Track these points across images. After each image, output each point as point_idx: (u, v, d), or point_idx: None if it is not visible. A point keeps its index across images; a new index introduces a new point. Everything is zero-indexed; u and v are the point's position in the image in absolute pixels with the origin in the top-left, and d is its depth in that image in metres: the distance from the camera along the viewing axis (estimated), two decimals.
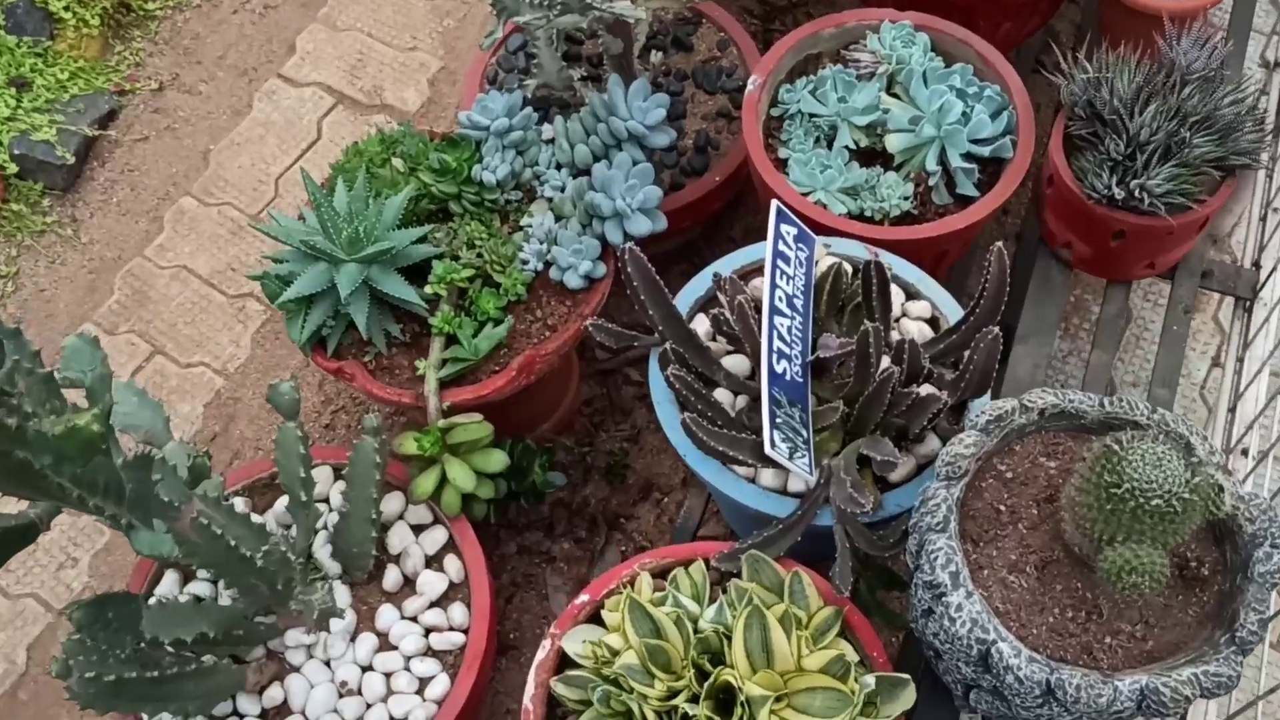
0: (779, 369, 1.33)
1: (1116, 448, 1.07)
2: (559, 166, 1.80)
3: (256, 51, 2.61)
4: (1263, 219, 1.71)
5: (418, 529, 1.69)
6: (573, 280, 1.71)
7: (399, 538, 1.67)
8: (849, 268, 1.45)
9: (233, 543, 1.48)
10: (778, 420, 1.30)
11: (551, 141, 1.83)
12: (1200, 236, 1.59)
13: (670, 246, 2.17)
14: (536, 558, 1.95)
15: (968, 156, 1.61)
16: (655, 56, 2.01)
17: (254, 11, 2.67)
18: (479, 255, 1.73)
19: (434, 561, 1.67)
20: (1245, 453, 1.53)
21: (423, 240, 1.73)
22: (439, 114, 2.51)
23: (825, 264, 1.51)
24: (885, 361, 1.34)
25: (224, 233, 2.38)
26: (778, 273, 1.39)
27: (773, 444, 1.27)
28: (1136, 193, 1.46)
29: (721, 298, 1.46)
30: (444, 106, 2.52)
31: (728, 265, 1.56)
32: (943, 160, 1.61)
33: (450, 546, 1.68)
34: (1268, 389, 1.54)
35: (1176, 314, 1.61)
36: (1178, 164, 1.46)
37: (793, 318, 1.39)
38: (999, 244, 1.31)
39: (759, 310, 1.36)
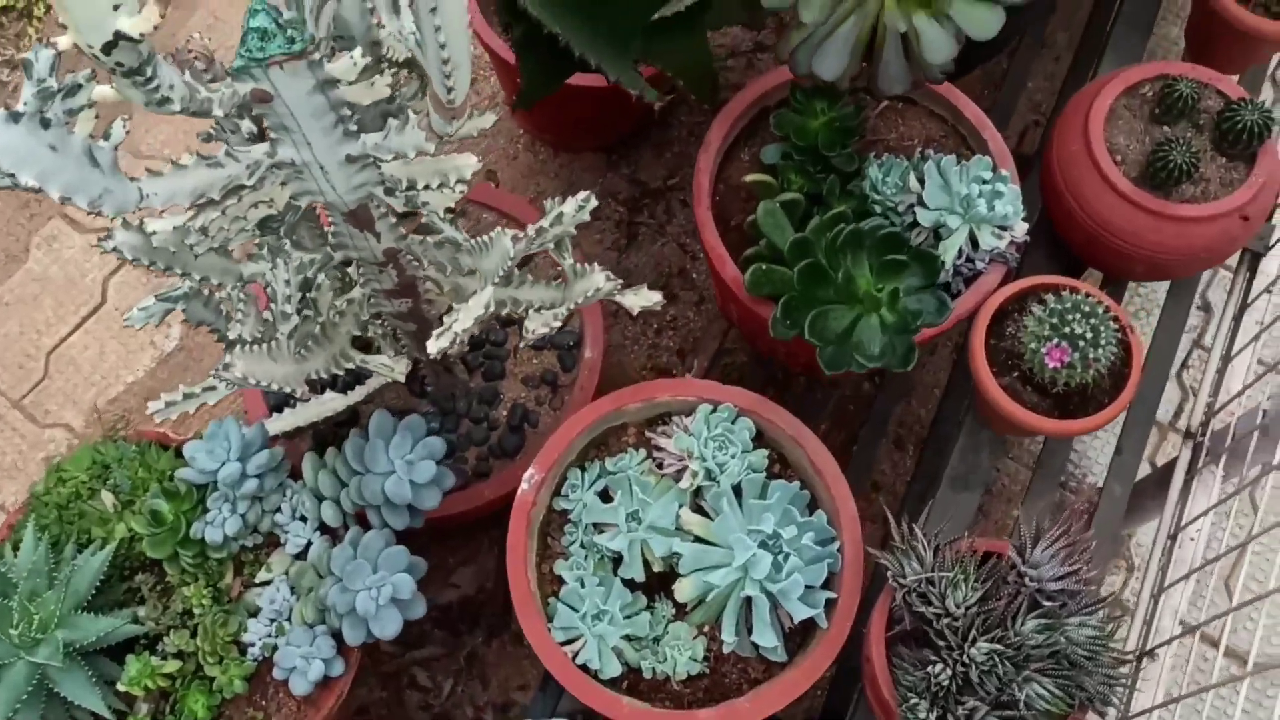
0: None
1: None
2: (304, 519, 1.48)
3: None
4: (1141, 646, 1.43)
5: None
6: (300, 685, 1.42)
7: None
8: None
9: None
10: None
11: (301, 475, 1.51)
12: None
13: (486, 514, 1.87)
14: None
15: (775, 612, 1.31)
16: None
17: None
18: (193, 634, 1.43)
19: None
20: None
21: (131, 614, 1.42)
22: None
23: None
24: None
25: None
26: None
27: None
28: None
29: None
30: None
31: None
32: (746, 615, 1.31)
33: None
34: None
35: None
36: (1011, 716, 1.17)
37: None
38: None
39: None
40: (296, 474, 1.52)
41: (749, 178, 1.47)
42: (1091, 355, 1.31)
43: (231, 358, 1.12)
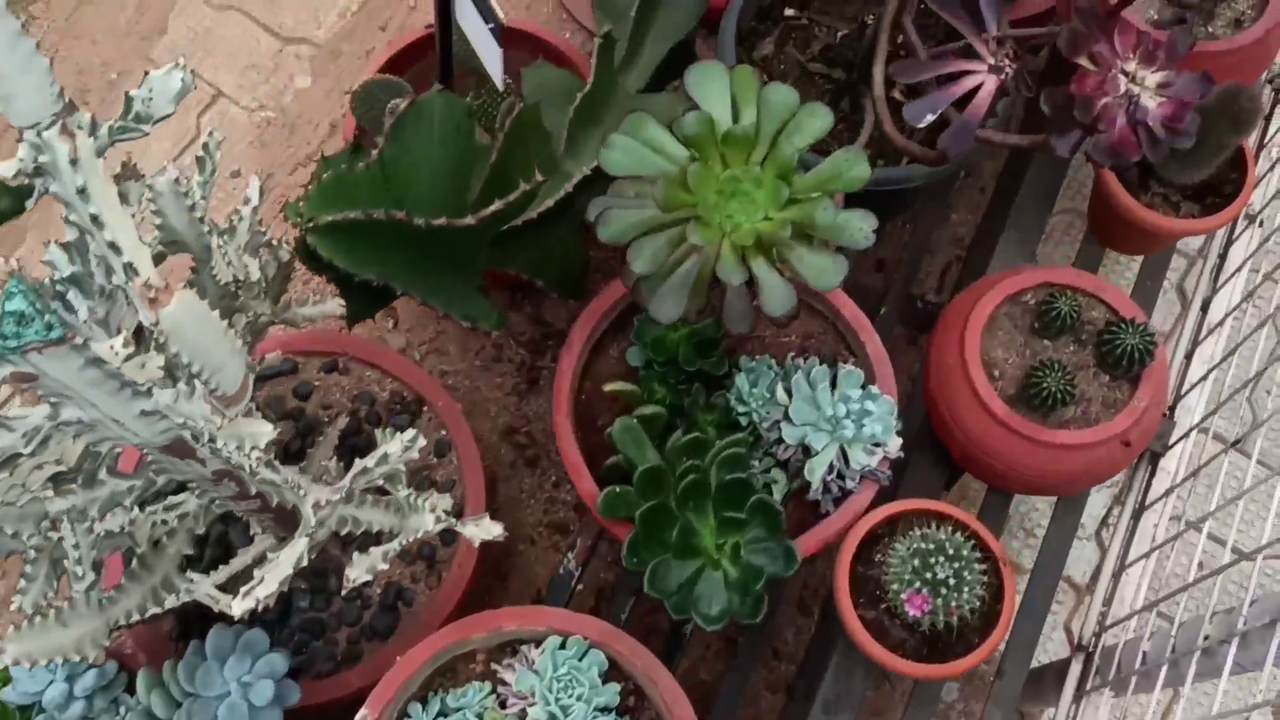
0: None
1: None
2: None
3: None
4: None
5: None
6: None
7: None
8: None
9: None
10: None
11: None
12: None
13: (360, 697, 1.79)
14: None
15: None
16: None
17: None
18: None
19: None
20: None
21: None
22: None
23: None
24: None
25: None
26: None
27: None
28: None
29: None
30: None
31: None
32: None
33: None
34: None
35: None
36: None
37: None
38: None
39: None
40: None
41: (609, 387, 1.39)
42: (954, 602, 1.23)
43: (4, 642, 1.04)
